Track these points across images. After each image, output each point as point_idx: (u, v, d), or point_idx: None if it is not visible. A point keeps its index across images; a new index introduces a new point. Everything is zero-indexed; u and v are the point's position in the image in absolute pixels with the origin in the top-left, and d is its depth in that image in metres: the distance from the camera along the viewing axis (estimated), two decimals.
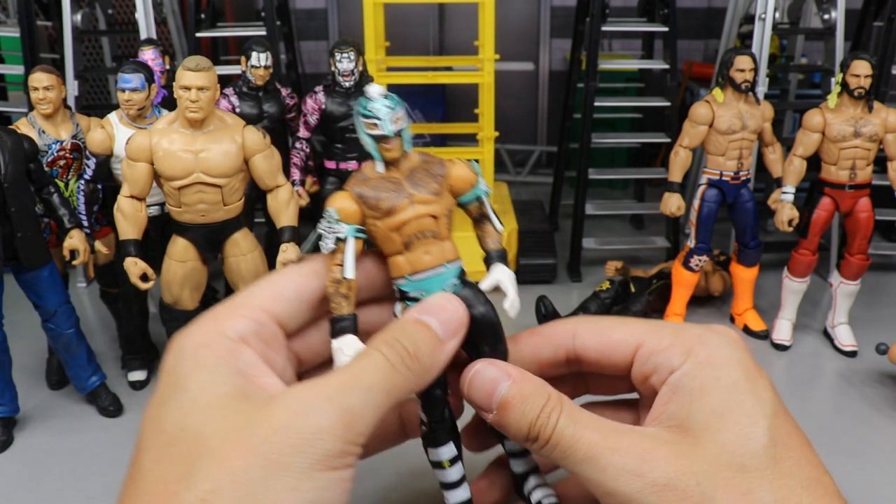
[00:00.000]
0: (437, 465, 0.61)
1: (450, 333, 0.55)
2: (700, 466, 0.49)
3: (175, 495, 0.41)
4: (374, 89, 0.58)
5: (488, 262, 0.65)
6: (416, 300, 0.59)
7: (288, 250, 1.72)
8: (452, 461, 0.62)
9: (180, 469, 0.43)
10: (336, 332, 0.57)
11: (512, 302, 0.62)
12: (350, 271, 0.57)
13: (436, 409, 0.60)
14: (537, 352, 0.63)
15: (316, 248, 0.59)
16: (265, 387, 0.50)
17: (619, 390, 0.64)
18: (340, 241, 0.58)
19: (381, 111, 0.58)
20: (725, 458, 0.49)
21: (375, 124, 0.58)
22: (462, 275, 0.62)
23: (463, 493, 0.62)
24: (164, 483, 0.43)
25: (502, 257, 0.65)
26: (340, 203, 0.58)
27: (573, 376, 0.65)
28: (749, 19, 2.82)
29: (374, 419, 0.48)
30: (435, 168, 0.61)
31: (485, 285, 0.63)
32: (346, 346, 0.56)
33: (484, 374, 0.56)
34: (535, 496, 0.62)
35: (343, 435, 0.46)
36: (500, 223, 0.65)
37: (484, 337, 0.60)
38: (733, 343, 0.56)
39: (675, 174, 2.27)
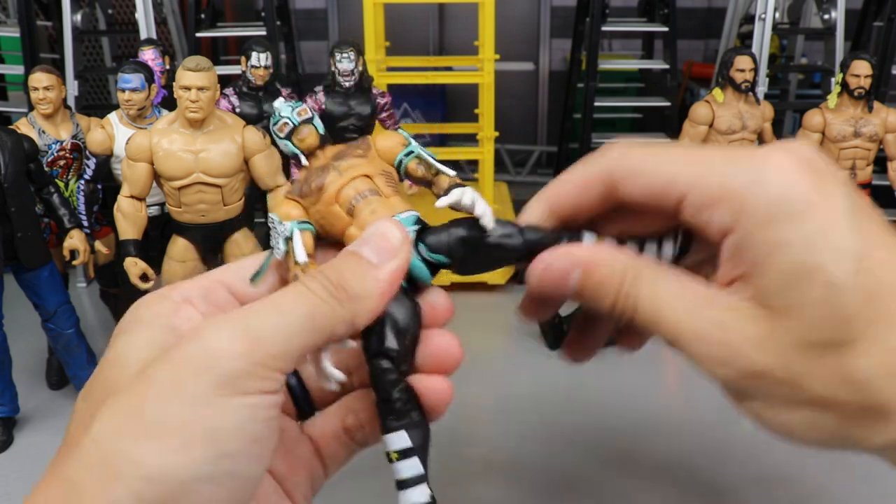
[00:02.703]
0: (387, 455, 0.49)
1: (386, 256, 0.47)
2: (786, 349, 0.42)
3: (74, 443, 0.39)
4: (278, 101, 0.60)
5: (463, 205, 0.57)
6: None
7: None
8: (402, 454, 0.49)
9: (85, 420, 0.40)
10: None
11: (483, 209, 0.55)
12: (301, 255, 0.53)
13: (380, 382, 0.49)
14: (573, 202, 0.53)
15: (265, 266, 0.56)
16: None
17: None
18: (288, 239, 0.55)
19: (284, 110, 0.59)
20: (814, 335, 0.42)
21: (285, 123, 0.59)
22: (420, 221, 0.56)
23: (418, 495, 0.49)
24: (70, 438, 0.40)
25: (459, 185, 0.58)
26: (279, 207, 0.58)
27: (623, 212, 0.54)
28: (749, 19, 2.82)
29: (290, 344, 0.42)
30: (359, 144, 0.59)
31: (440, 203, 0.56)
32: None
33: (552, 267, 0.49)
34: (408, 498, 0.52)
35: (246, 355, 0.40)
36: (451, 170, 0.60)
37: (467, 254, 0.54)
38: (792, 172, 0.44)
39: None
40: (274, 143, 0.60)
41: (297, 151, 0.59)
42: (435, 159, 0.60)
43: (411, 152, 0.60)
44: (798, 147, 0.45)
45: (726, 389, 0.46)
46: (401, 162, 0.60)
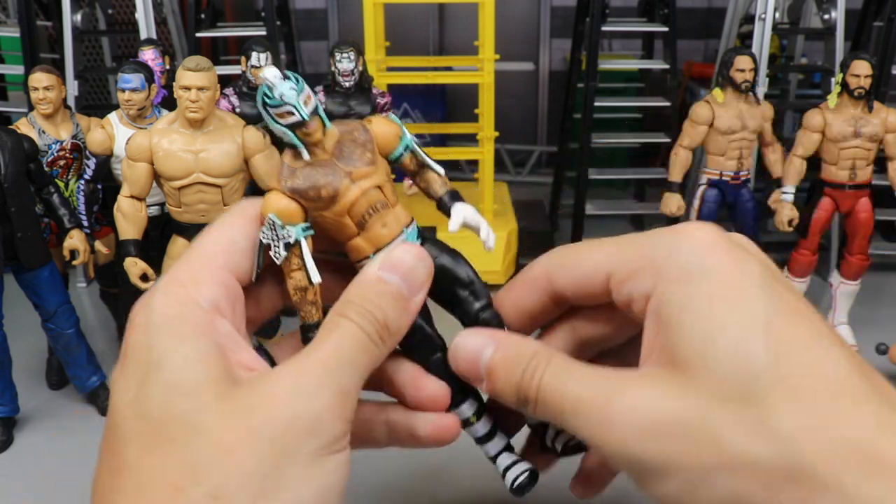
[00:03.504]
0: (465, 423, 0.57)
1: (415, 288, 0.51)
2: (698, 402, 0.41)
3: (180, 491, 0.39)
4: (271, 72, 0.52)
5: (444, 205, 0.59)
6: None
7: None
8: (478, 413, 0.57)
9: (179, 461, 0.40)
10: (309, 341, 0.53)
11: (486, 233, 0.58)
12: (315, 275, 0.53)
13: (440, 372, 0.56)
14: (520, 304, 0.56)
15: (260, 263, 0.53)
16: (245, 363, 0.47)
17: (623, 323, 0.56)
18: (291, 245, 0.52)
19: (289, 95, 0.52)
20: (724, 387, 0.41)
21: (290, 112, 0.52)
22: (421, 233, 0.58)
23: (500, 440, 0.58)
24: (161, 476, 0.39)
25: (457, 196, 0.59)
26: (277, 205, 0.52)
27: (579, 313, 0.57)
28: (749, 19, 2.82)
29: (358, 395, 0.47)
30: (358, 134, 0.55)
31: (453, 227, 0.58)
32: None
33: (466, 344, 0.52)
34: (509, 476, 0.58)
35: (341, 415, 0.44)
36: (439, 166, 0.60)
37: (456, 284, 0.56)
38: (707, 240, 0.46)
39: (676, 174, 2.27)
40: (267, 128, 0.54)
41: (300, 144, 0.53)
42: (425, 154, 0.60)
43: (407, 147, 0.59)
44: (713, 225, 0.49)
45: (633, 468, 0.44)
46: (399, 156, 0.59)
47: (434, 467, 1.57)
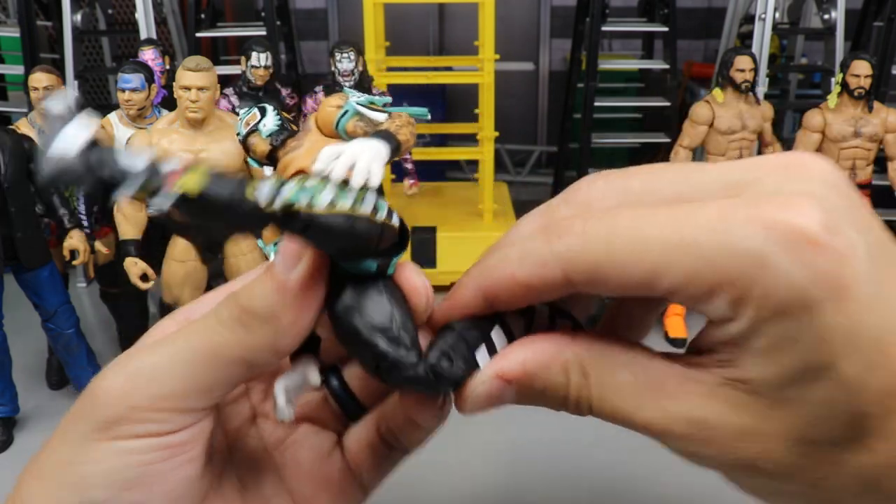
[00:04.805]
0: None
1: (290, 262, 0.38)
2: (778, 443, 0.34)
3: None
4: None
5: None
6: None
7: None
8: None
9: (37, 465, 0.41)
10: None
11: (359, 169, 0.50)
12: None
13: (407, 387, 0.39)
14: (508, 301, 0.39)
15: None
16: None
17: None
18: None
19: (236, 126, 0.53)
20: (815, 432, 0.34)
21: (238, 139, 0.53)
22: None
23: None
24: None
25: (384, 135, 0.53)
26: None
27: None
28: (749, 19, 2.82)
29: (186, 382, 0.39)
30: (305, 127, 0.56)
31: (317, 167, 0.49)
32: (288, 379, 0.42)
33: (476, 393, 0.38)
34: None
35: (124, 399, 0.38)
36: (382, 114, 0.56)
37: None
38: (810, 247, 0.32)
39: None
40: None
41: (256, 164, 0.55)
42: (378, 110, 0.54)
43: (346, 112, 0.55)
44: (808, 201, 0.32)
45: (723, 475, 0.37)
46: (338, 125, 0.54)
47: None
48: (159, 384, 0.39)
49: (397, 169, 2.53)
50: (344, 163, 0.45)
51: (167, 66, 2.17)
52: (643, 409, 0.36)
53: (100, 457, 0.38)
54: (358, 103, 0.53)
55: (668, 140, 2.79)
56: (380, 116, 0.54)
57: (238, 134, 0.53)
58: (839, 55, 2.62)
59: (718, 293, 0.33)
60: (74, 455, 0.38)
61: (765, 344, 0.34)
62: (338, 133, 0.54)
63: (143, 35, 2.53)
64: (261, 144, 0.52)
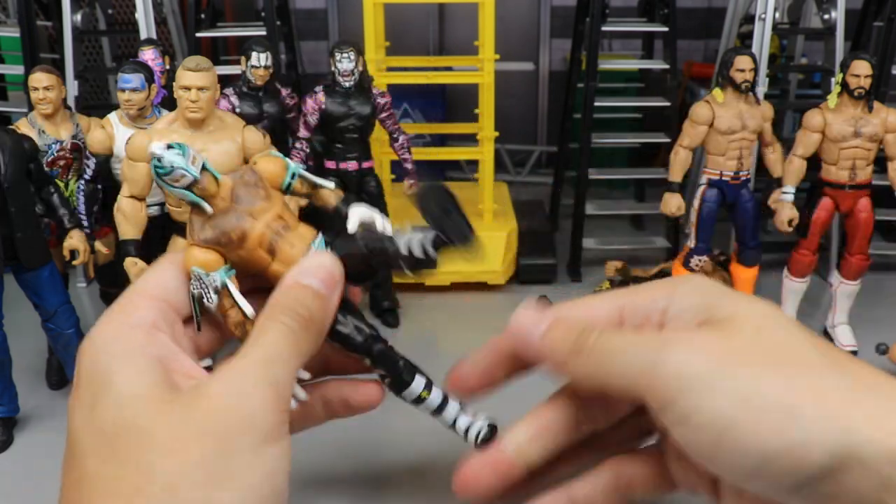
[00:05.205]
0: (419, 400, 0.65)
1: (329, 287, 0.57)
2: (723, 345, 0.47)
3: (139, 490, 0.43)
4: (156, 145, 0.57)
5: (341, 212, 0.66)
6: None
7: None
8: (428, 387, 0.65)
9: (134, 464, 0.44)
10: None
11: (382, 223, 0.64)
12: (248, 308, 0.59)
13: (384, 359, 0.64)
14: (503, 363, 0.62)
15: (199, 312, 0.59)
16: (186, 370, 0.52)
17: (618, 409, 0.60)
18: (219, 289, 0.59)
19: (176, 161, 0.57)
20: (764, 344, 0.47)
21: (182, 175, 0.57)
22: (327, 240, 0.64)
23: (454, 406, 0.65)
24: (121, 480, 0.44)
25: (350, 199, 0.66)
26: (198, 258, 0.59)
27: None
28: (749, 19, 2.82)
29: (292, 386, 0.52)
30: (248, 177, 0.62)
31: (351, 227, 0.64)
32: None
33: (526, 311, 0.57)
34: (472, 434, 0.64)
35: (276, 407, 0.48)
36: (329, 181, 0.67)
37: (375, 259, 0.62)
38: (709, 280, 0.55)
39: (676, 174, 2.27)
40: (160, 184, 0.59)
41: (200, 201, 0.59)
42: (314, 176, 0.66)
43: (294, 174, 0.65)
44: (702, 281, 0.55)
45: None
46: (289, 185, 0.65)
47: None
48: (287, 391, 0.50)
49: (397, 169, 2.53)
50: (383, 221, 0.65)
51: (167, 66, 2.17)
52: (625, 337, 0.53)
53: (274, 457, 0.47)
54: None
55: (668, 140, 2.79)
56: (317, 180, 0.66)
57: (185, 174, 0.59)
58: (839, 55, 2.62)
59: (659, 292, 0.55)
60: (252, 460, 0.46)
61: (701, 302, 0.52)
62: (283, 188, 0.65)
63: (143, 35, 2.53)
64: (213, 185, 0.60)
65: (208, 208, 0.59)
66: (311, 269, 0.57)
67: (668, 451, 0.57)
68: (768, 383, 0.44)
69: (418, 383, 0.65)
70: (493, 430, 0.63)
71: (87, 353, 0.51)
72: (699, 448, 0.47)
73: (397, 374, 0.65)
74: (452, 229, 0.61)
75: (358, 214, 0.64)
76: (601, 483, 0.58)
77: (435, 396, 0.65)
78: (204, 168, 0.58)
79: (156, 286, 0.57)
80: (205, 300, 0.58)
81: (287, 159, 0.66)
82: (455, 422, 0.65)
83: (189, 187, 0.58)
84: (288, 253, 0.60)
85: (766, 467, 0.44)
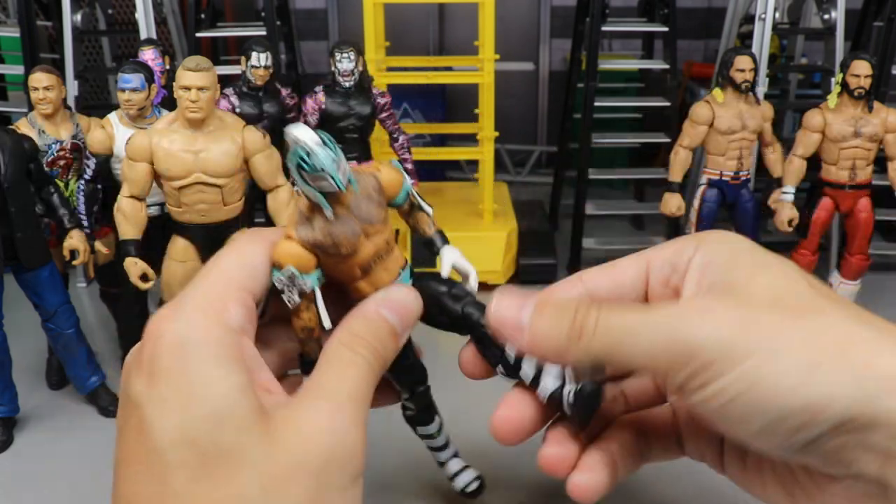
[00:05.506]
0: (426, 437, 0.71)
1: (405, 329, 0.57)
2: (739, 312, 0.47)
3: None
4: (308, 135, 0.52)
5: (433, 245, 0.66)
6: None
7: None
8: (439, 430, 0.73)
9: (228, 491, 0.42)
10: (309, 371, 0.56)
11: (475, 281, 0.65)
12: (328, 322, 0.58)
13: (422, 398, 0.69)
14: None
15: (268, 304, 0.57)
16: (264, 383, 0.51)
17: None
18: (303, 293, 0.56)
19: (329, 166, 0.52)
20: (785, 302, 0.47)
21: (324, 180, 0.53)
22: (413, 274, 0.64)
23: (452, 449, 0.72)
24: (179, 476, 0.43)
25: (445, 238, 0.67)
26: (293, 255, 0.55)
27: None
28: (749, 19, 2.82)
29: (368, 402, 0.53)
30: (371, 186, 0.59)
31: (445, 272, 0.64)
32: None
33: (504, 298, 0.55)
34: (459, 480, 0.72)
35: (364, 446, 0.49)
36: (427, 204, 0.67)
37: (441, 297, 0.63)
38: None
39: (676, 174, 2.27)
40: (286, 169, 0.58)
41: (326, 206, 0.55)
42: (421, 198, 0.67)
43: (408, 192, 0.65)
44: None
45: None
46: (401, 202, 0.65)
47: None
48: (364, 419, 0.50)
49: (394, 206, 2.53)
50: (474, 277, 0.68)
51: (167, 66, 2.17)
52: (629, 313, 0.52)
53: (357, 496, 0.48)
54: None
55: (668, 140, 2.78)
56: (422, 202, 0.68)
57: (331, 182, 0.55)
58: (839, 55, 2.62)
59: (685, 245, 0.56)
60: (343, 499, 0.46)
61: (720, 257, 0.53)
62: (392, 203, 0.65)
63: (143, 35, 2.53)
64: (350, 195, 0.59)
65: (331, 215, 0.55)
66: (395, 305, 0.56)
67: (678, 415, 0.58)
68: (788, 341, 0.45)
69: (434, 425, 0.70)
70: (481, 484, 0.69)
71: (173, 348, 0.46)
72: (717, 412, 0.47)
73: (424, 413, 0.68)
74: (583, 413, 0.58)
75: (452, 260, 0.65)
76: (624, 438, 0.59)
77: (441, 438, 0.71)
78: (348, 180, 0.55)
79: (242, 272, 0.53)
80: (285, 298, 0.55)
81: (405, 174, 0.65)
82: (447, 463, 0.72)
83: (324, 190, 0.54)
84: (379, 276, 0.60)
85: (782, 424, 0.44)
